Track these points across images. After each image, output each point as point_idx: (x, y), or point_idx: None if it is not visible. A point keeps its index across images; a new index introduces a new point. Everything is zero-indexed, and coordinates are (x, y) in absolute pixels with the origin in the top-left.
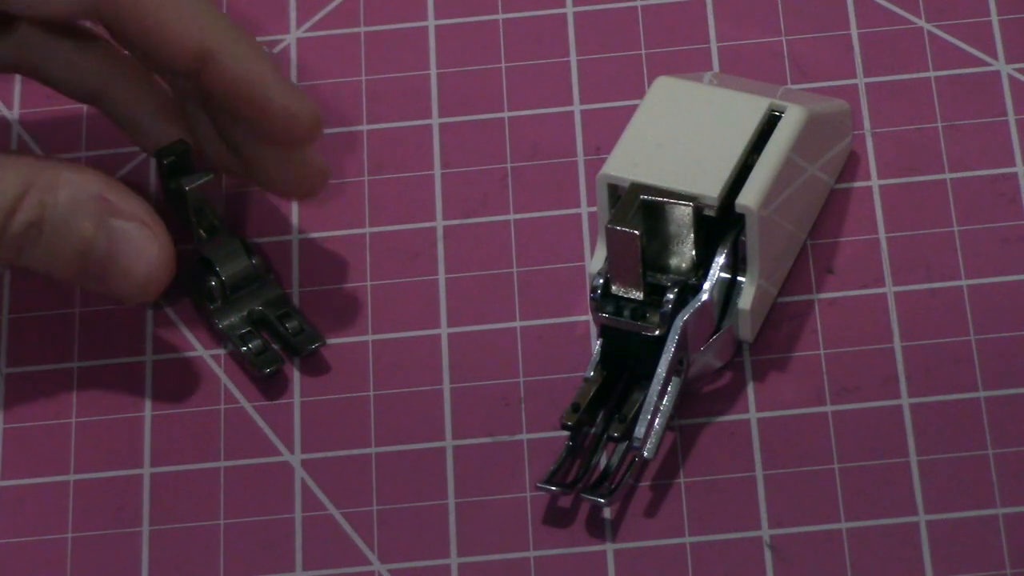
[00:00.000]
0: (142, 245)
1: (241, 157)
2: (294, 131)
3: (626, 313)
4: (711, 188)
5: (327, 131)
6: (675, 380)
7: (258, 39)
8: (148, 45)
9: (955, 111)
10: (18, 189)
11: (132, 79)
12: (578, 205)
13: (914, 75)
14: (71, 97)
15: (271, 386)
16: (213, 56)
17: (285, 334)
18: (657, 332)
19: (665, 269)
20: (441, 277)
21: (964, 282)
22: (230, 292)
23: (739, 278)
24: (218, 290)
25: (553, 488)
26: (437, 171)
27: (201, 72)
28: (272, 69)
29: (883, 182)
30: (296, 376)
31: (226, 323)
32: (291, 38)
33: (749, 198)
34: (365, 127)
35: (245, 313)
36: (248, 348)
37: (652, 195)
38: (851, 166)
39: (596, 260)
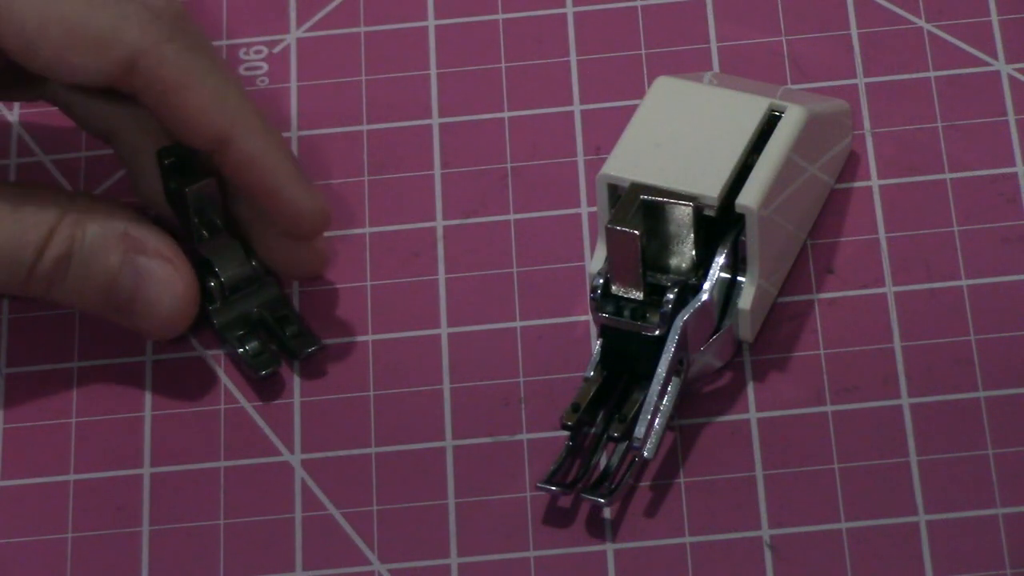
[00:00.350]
0: (166, 281)
1: (244, 230)
2: (300, 227)
3: (626, 313)
4: (711, 188)
5: (328, 131)
6: (675, 380)
7: (258, 39)
8: (170, 122)
9: (955, 111)
10: (49, 225)
11: (143, 129)
12: (578, 205)
13: (914, 75)
14: (84, 131)
15: (271, 386)
16: (232, 143)
17: (283, 337)
18: (657, 332)
19: (665, 269)
20: (441, 277)
21: (964, 282)
22: (229, 293)
23: (739, 278)
24: (217, 291)
25: (553, 488)
26: (437, 171)
27: (218, 153)
28: (288, 163)
29: (883, 182)
30: (296, 376)
31: (224, 323)
32: (291, 38)
33: (749, 198)
34: (365, 127)
35: (244, 314)
36: (246, 350)
37: (652, 195)
38: (851, 166)
39: (596, 260)
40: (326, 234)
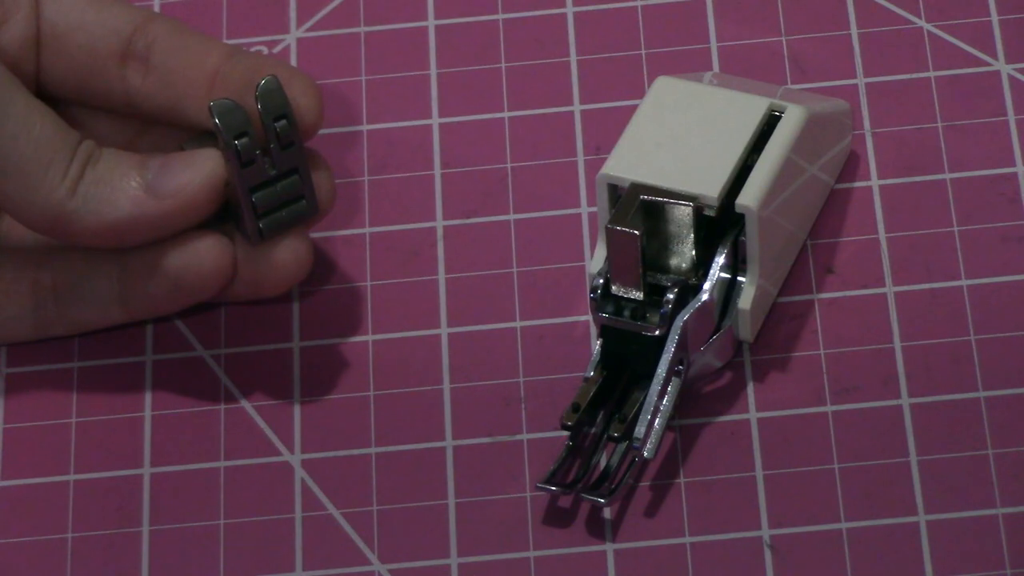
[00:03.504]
0: (195, 162)
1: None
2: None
3: (626, 313)
4: (711, 188)
5: (327, 131)
6: (675, 380)
7: (258, 39)
8: (171, 64)
9: (955, 111)
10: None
11: None
12: (578, 205)
13: (914, 75)
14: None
15: (271, 386)
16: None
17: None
18: (657, 332)
19: (665, 269)
20: (441, 277)
21: (964, 282)
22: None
23: (739, 278)
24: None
25: (553, 488)
26: (437, 171)
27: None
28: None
29: (883, 182)
30: (296, 376)
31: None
32: (291, 38)
33: (749, 198)
34: (365, 127)
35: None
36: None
37: (652, 195)
38: (851, 166)
39: (596, 260)
40: (326, 233)
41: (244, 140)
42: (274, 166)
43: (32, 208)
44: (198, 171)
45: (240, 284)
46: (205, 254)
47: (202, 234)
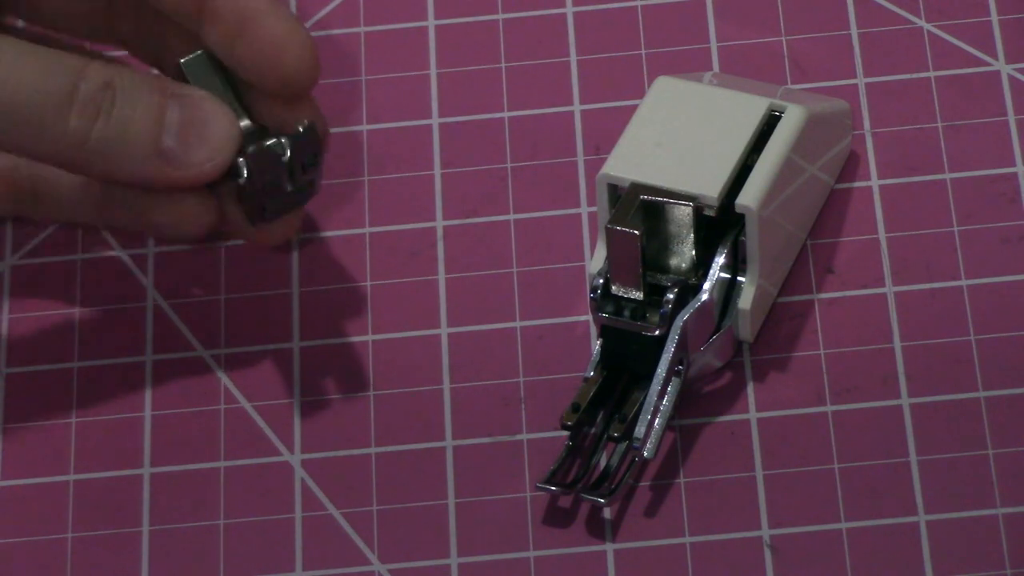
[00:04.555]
0: (214, 109)
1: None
2: (286, 63)
3: (626, 313)
4: (711, 188)
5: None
6: (675, 380)
7: None
8: None
9: (955, 111)
10: (82, 62)
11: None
12: (578, 205)
13: (914, 75)
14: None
15: (271, 386)
16: None
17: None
18: (657, 332)
19: (665, 269)
20: (441, 277)
21: (964, 282)
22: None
23: (739, 278)
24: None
25: (553, 488)
26: (437, 171)
27: (200, 11)
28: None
29: (883, 182)
30: (296, 376)
31: (249, 202)
32: None
33: (749, 198)
34: (365, 127)
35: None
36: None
37: (652, 195)
38: (851, 166)
39: (596, 260)
40: (326, 233)
41: (267, 169)
42: (292, 183)
43: (43, 155)
44: (218, 151)
45: (227, 233)
46: (188, 213)
47: (187, 195)
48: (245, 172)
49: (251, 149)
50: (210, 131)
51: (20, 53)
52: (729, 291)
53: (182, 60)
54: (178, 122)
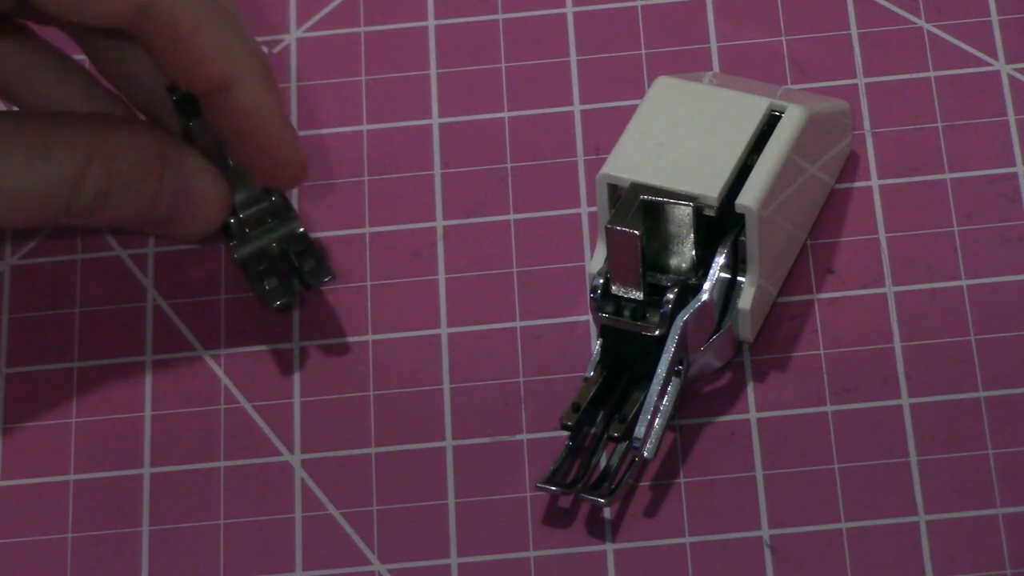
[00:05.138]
0: (203, 190)
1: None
2: (279, 178)
3: (626, 313)
4: (711, 188)
5: (327, 131)
6: (675, 380)
7: (258, 39)
8: (174, 66)
9: (955, 111)
10: (81, 160)
11: (50, 67)
12: (578, 205)
13: (914, 75)
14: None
15: (271, 386)
16: (232, 88)
17: (299, 270)
18: (657, 332)
19: (665, 269)
20: (441, 277)
21: (964, 282)
22: (249, 228)
23: (739, 278)
24: (236, 227)
25: (553, 488)
26: (437, 171)
27: (215, 99)
28: (281, 117)
29: (883, 182)
30: (296, 376)
31: (243, 257)
32: (291, 38)
33: (749, 198)
34: (365, 127)
35: (263, 249)
36: (262, 284)
37: (652, 195)
38: (851, 166)
39: (596, 260)
40: (326, 233)
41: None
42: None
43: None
44: (209, 225)
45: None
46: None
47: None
48: (237, 237)
49: (237, 257)
50: (198, 213)
51: (22, 170)
52: (729, 291)
53: (191, 123)
54: (172, 194)
